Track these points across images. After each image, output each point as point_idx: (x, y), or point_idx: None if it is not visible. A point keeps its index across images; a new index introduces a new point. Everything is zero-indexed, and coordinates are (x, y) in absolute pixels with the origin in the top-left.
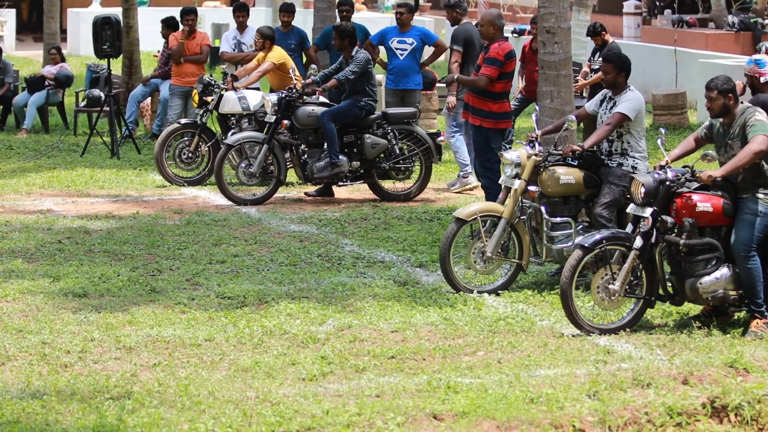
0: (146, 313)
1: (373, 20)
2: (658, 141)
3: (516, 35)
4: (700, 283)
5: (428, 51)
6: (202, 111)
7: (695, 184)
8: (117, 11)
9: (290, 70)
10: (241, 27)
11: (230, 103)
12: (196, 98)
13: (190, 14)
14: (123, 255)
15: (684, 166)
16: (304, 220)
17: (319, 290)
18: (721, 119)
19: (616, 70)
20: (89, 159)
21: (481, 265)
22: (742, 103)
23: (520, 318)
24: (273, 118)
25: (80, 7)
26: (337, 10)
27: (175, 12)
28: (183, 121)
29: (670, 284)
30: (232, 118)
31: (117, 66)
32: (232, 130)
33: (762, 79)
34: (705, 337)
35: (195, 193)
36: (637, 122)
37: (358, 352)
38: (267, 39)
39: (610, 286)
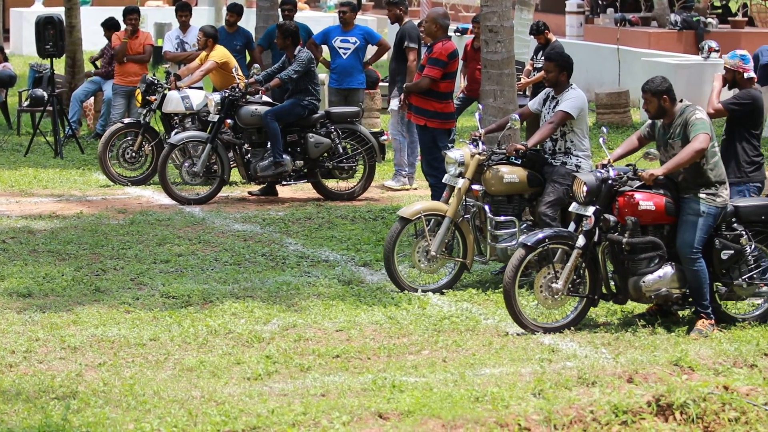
0: (91, 312)
1: (315, 19)
2: (600, 140)
3: (458, 34)
4: (643, 282)
5: (371, 50)
6: (145, 110)
7: (637, 183)
8: (60, 11)
9: (233, 70)
10: (184, 26)
11: (173, 102)
12: (140, 98)
13: (132, 14)
14: (67, 255)
15: (627, 165)
16: (248, 220)
17: (264, 289)
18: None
19: (558, 69)
20: (33, 159)
21: (425, 264)
22: (681, 101)
23: (464, 317)
24: (216, 118)
25: (23, 6)
26: (279, 9)
27: (118, 11)
28: (126, 120)
29: (613, 283)
30: (176, 118)
31: (60, 65)
32: (176, 130)
33: (746, 75)
34: (650, 335)
35: (139, 192)
36: (579, 121)
37: (303, 351)
38: (210, 38)
39: (554, 285)
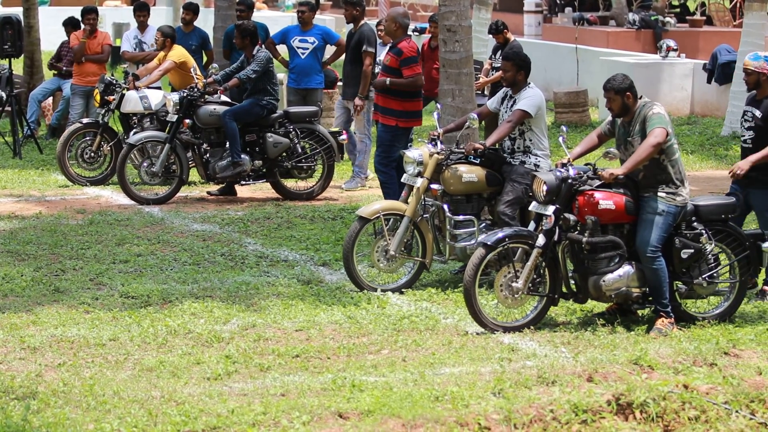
0: (50, 313)
1: (274, 19)
2: (560, 139)
3: (417, 33)
4: (603, 281)
5: (330, 50)
6: (104, 110)
7: (597, 182)
8: (18, 11)
9: (191, 69)
10: (142, 26)
11: (132, 102)
12: (98, 98)
13: (90, 13)
14: (26, 255)
15: (586, 164)
16: (207, 220)
17: (223, 289)
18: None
19: (515, 68)
20: None
21: (384, 264)
22: (641, 98)
23: (424, 316)
24: (175, 118)
25: None
26: (234, 10)
27: (76, 12)
28: (85, 120)
29: (573, 282)
30: (134, 118)
31: (18, 66)
32: (134, 130)
33: None
34: (609, 334)
35: (98, 192)
36: (538, 119)
37: (263, 351)
38: (168, 38)
39: (513, 284)
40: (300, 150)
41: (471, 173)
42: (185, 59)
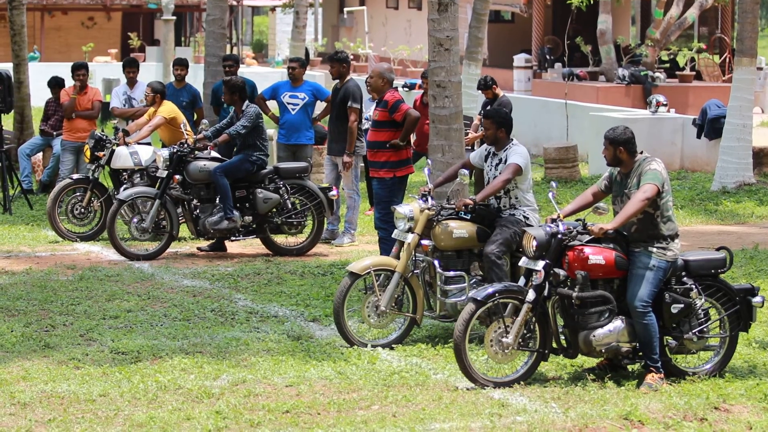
0: (40, 368)
1: (263, 75)
2: (549, 194)
3: (407, 89)
4: (594, 336)
5: (320, 106)
6: (94, 166)
7: (587, 237)
8: (8, 66)
9: (181, 125)
10: (131, 82)
11: (122, 158)
12: (88, 153)
13: (80, 69)
14: (16, 310)
15: (576, 220)
16: (197, 275)
17: (213, 345)
18: (618, 168)
19: (495, 126)
20: None
21: (374, 319)
22: (641, 153)
23: (414, 372)
24: (165, 173)
25: None
26: (222, 65)
27: (66, 67)
28: (75, 176)
29: (563, 337)
30: (124, 173)
31: (8, 121)
32: (124, 185)
33: None
34: (599, 389)
35: (88, 248)
36: (524, 176)
37: (253, 407)
38: (157, 93)
39: (504, 339)
40: (290, 206)
41: (461, 229)
42: (175, 115)
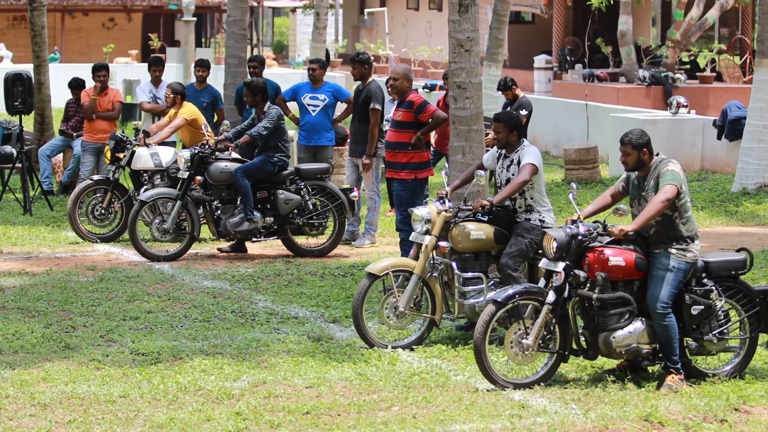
0: (60, 369)
1: (284, 76)
2: (570, 196)
3: (427, 90)
4: (614, 337)
5: (340, 107)
6: (114, 167)
7: (607, 239)
8: (28, 68)
9: (202, 126)
10: (156, 81)
11: (143, 159)
12: (108, 155)
13: (101, 70)
14: (36, 312)
15: (595, 221)
16: (217, 276)
17: (233, 346)
18: (636, 172)
19: (507, 129)
20: (1, 216)
21: (394, 321)
22: (657, 155)
23: (434, 373)
24: (186, 175)
25: None
26: (247, 66)
27: (87, 68)
28: (96, 177)
29: (583, 338)
30: (145, 175)
31: (29, 122)
32: (145, 187)
33: None
34: (619, 390)
35: (108, 249)
36: (538, 176)
37: (273, 408)
38: (178, 95)
39: (524, 341)
40: (311, 207)
41: (479, 231)
42: (196, 116)
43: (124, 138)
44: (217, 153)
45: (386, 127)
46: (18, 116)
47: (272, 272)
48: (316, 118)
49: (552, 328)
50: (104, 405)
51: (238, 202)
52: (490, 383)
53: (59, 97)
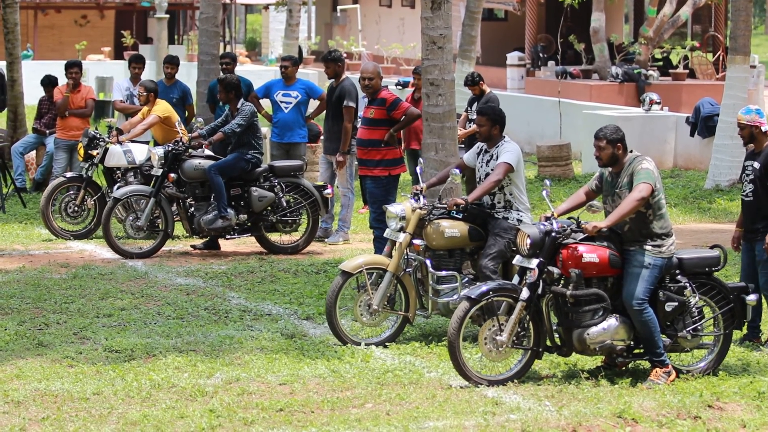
0: (34, 366)
1: (256, 73)
2: (543, 192)
3: (400, 87)
4: (588, 334)
5: (313, 104)
6: (87, 164)
7: (581, 235)
8: (1, 65)
9: (176, 123)
10: (135, 78)
11: (116, 156)
12: (82, 152)
13: (73, 67)
14: (10, 309)
15: (569, 218)
16: (190, 273)
17: (207, 343)
18: (609, 168)
19: (490, 123)
20: None
21: (367, 318)
22: (631, 152)
23: (407, 370)
24: (159, 172)
25: None
26: (219, 63)
27: (60, 65)
28: (69, 174)
29: (557, 335)
30: (118, 172)
31: (1, 120)
32: (118, 184)
33: (763, 129)
34: (593, 387)
35: (81, 246)
36: (518, 173)
37: (247, 405)
38: (151, 92)
39: (498, 338)
40: (285, 204)
41: (453, 228)
42: (169, 114)
43: (98, 135)
44: (190, 150)
45: (358, 124)
46: None
47: (245, 269)
48: (289, 116)
49: (526, 324)
50: (78, 402)
51: (212, 199)
52: (464, 380)
53: (32, 94)
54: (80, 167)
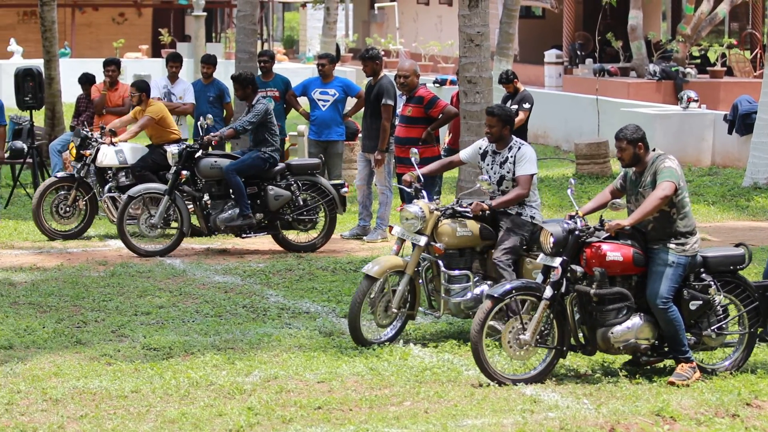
0: (72, 364)
1: (294, 71)
2: (568, 191)
3: (437, 85)
4: (612, 333)
5: (351, 102)
6: (79, 165)
7: (604, 234)
8: (39, 63)
9: (174, 123)
10: (173, 77)
11: (108, 156)
12: (74, 152)
13: (111, 65)
14: (48, 307)
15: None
16: (228, 271)
17: (245, 341)
18: (633, 168)
19: (501, 124)
20: (13, 211)
21: (383, 318)
22: (654, 150)
23: (446, 368)
24: (174, 169)
25: (2, 58)
26: (257, 61)
27: (97, 63)
28: (60, 174)
29: (581, 334)
30: (110, 172)
31: (40, 118)
32: (109, 184)
33: None
34: (631, 385)
35: (119, 244)
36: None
37: (285, 403)
38: (143, 92)
39: (521, 337)
40: (301, 202)
41: (465, 228)
42: (164, 114)
43: (90, 135)
44: (209, 147)
45: (396, 122)
46: (29, 111)
47: (283, 267)
48: (327, 113)
49: (549, 323)
50: (116, 400)
51: (232, 199)
52: (488, 379)
53: (70, 92)
54: (73, 167)
